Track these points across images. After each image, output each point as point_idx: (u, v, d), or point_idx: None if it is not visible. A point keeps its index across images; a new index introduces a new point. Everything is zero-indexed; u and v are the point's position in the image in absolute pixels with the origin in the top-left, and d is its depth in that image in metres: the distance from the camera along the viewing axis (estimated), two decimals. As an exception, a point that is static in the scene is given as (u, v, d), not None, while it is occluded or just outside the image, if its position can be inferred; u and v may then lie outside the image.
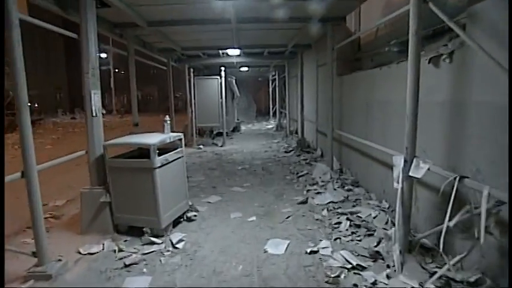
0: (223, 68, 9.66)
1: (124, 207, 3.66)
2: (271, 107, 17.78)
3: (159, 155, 3.55)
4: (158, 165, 3.46)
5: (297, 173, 6.08)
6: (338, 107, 5.82)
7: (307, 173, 5.97)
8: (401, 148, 2.88)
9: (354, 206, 4.23)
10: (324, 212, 4.10)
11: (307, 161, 7.05)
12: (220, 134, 10.46)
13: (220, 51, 9.47)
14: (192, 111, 9.90)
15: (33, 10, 3.61)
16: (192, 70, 9.82)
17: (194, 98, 9.93)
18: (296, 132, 10.87)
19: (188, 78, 9.83)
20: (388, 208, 3.95)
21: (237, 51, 9.21)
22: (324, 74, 7.18)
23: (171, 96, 8.31)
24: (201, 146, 9.82)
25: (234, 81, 13.58)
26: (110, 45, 27.60)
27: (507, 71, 1.85)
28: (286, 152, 8.44)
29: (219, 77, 9.73)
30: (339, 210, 4.08)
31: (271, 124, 16.35)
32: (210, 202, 4.74)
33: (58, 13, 4.00)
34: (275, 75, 17.15)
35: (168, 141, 3.79)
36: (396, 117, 3.77)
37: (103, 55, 29.09)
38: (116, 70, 42.08)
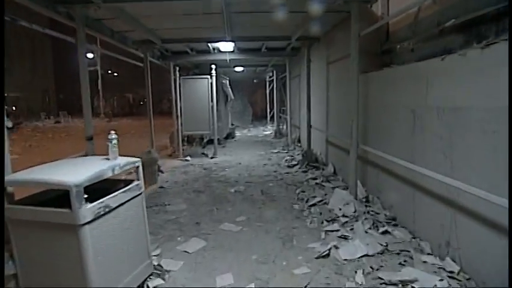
0: (214, 66, 8.24)
1: (38, 283, 2.22)
2: (268, 110, 16.39)
3: (97, 195, 2.13)
4: (89, 219, 2.02)
5: (307, 200, 4.66)
6: (362, 114, 4.42)
7: (321, 201, 4.55)
8: (485, 182, 1.48)
9: (402, 265, 2.82)
10: (359, 278, 2.68)
11: (318, 180, 5.63)
12: (211, 142, 9.05)
13: (210, 46, 8.04)
14: (177, 117, 8.46)
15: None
16: (177, 69, 8.39)
17: (180, 101, 8.50)
18: (299, 141, 9.48)
19: (173, 78, 8.39)
20: (459, 273, 2.54)
21: (229, 46, 7.80)
22: (336, 73, 5.80)
23: (149, 99, 6.86)
24: (188, 158, 8.38)
25: (227, 82, 12.16)
26: (97, 45, 26.18)
27: None
28: (289, 166, 7.03)
29: (209, 77, 8.31)
30: (382, 276, 2.67)
31: (268, 130, 14.94)
32: (187, 252, 3.30)
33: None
34: (273, 76, 15.75)
35: (110, 174, 2.35)
36: (476, 132, 2.39)
37: (90, 55, 27.55)
38: (110, 71, 40.60)
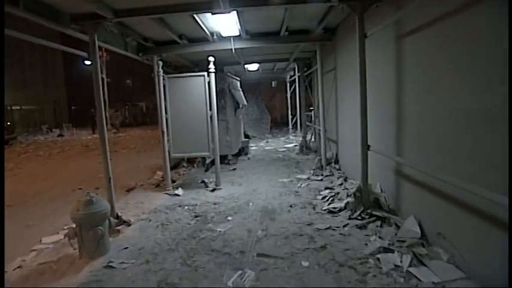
0: (211, 58, 5.66)
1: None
2: (290, 117, 13.67)
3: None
4: None
5: None
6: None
7: None
8: None
9: None
10: None
11: (398, 261, 2.89)
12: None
13: (207, 31, 5.50)
14: (163, 133, 5.91)
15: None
16: (160, 64, 5.86)
17: (166, 111, 5.96)
18: (336, 162, 6.72)
19: (156, 78, 5.87)
20: None
21: (234, 29, 5.26)
22: (427, 49, 3.06)
23: (100, 107, 4.24)
24: (179, 191, 5.82)
25: (238, 84, 9.58)
26: (102, 51, 24.42)
27: None
28: (332, 211, 4.31)
29: (205, 74, 5.74)
30: None
31: (291, 141, 12.19)
32: None
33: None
34: (294, 75, 13.09)
35: None
36: None
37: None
38: (129, 81, 39.17)
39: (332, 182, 5.77)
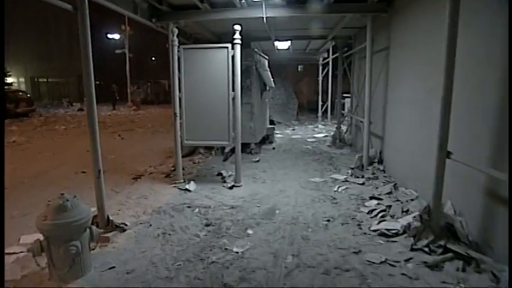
0: (238, 27, 4.57)
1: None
2: (319, 102, 12.42)
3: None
4: None
5: None
6: None
7: None
8: None
9: None
10: None
11: None
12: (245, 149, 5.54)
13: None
14: (175, 116, 4.94)
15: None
16: (175, 32, 4.83)
17: (180, 90, 4.96)
18: (380, 162, 5.57)
19: (170, 49, 4.85)
20: None
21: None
22: None
23: (89, 80, 3.27)
24: (191, 186, 4.89)
25: (266, 63, 8.46)
26: (125, 25, 23.64)
27: None
28: (387, 236, 3.24)
29: (229, 46, 4.67)
30: None
31: (321, 130, 11.01)
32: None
33: None
34: (328, 57, 11.77)
35: None
36: None
37: (116, 36, 25.20)
38: (153, 57, 38.56)
39: (377, 188, 4.67)
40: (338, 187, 4.82)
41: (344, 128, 8.60)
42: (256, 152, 7.21)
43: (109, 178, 5.94)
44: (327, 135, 9.73)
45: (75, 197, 2.65)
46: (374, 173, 5.30)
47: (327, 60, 11.81)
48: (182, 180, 5.11)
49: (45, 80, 35.43)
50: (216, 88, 4.80)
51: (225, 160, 6.65)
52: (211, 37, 7.24)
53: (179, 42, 4.89)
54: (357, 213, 3.87)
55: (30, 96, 18.27)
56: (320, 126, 11.78)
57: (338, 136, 8.06)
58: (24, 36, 33.26)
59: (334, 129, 10.84)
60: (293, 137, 9.78)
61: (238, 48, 4.63)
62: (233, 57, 4.67)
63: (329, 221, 3.67)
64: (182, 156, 5.89)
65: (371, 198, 4.27)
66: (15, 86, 29.10)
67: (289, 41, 9.04)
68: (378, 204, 4.01)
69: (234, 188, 4.90)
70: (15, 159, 7.61)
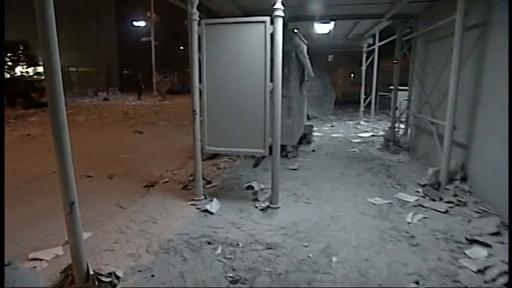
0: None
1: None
2: (362, 95, 10.89)
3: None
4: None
5: None
6: None
7: None
8: None
9: None
10: None
11: None
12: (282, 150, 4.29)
13: None
14: (194, 113, 3.76)
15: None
16: (194, 4, 3.60)
17: (202, 77, 3.76)
18: (464, 179, 4.14)
19: (189, 27, 3.66)
20: None
21: None
22: None
23: (52, 72, 2.17)
24: (212, 205, 3.74)
25: (305, 49, 7.13)
26: (151, 12, 22.83)
27: None
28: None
29: (267, 21, 3.41)
30: None
31: (365, 128, 9.53)
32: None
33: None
34: (374, 44, 10.19)
35: None
36: None
37: (141, 23, 24.44)
38: (181, 46, 37.94)
39: (469, 222, 3.30)
40: (412, 216, 3.50)
41: (398, 127, 7.12)
42: (294, 156, 5.96)
43: (117, 185, 4.95)
44: (374, 135, 8.28)
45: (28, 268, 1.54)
46: (456, 195, 3.90)
47: (372, 47, 10.23)
48: (202, 197, 3.97)
49: (75, 69, 35.69)
50: (248, 77, 3.57)
51: (255, 166, 5.47)
52: (241, 15, 5.99)
53: (200, 17, 3.68)
54: (458, 269, 2.55)
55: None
56: (362, 123, 10.29)
57: (391, 138, 6.62)
58: (57, 26, 33.41)
59: (381, 127, 9.42)
60: (333, 136, 8.40)
61: (280, 22, 3.36)
62: (272, 35, 3.41)
63: (417, 283, 2.39)
64: (204, 160, 4.76)
65: (471, 241, 2.92)
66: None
67: (333, 23, 7.62)
68: (488, 257, 2.66)
69: (269, 209, 3.71)
70: (22, 156, 6.82)
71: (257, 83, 3.54)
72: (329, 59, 21.66)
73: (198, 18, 3.61)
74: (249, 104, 3.61)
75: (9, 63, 24.86)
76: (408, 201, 3.91)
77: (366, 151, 6.62)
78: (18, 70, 25.11)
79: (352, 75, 19.43)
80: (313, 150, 6.64)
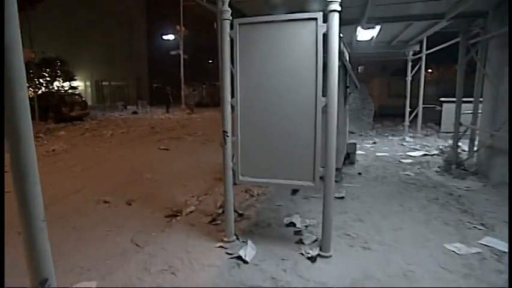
0: (338, -19, 2.54)
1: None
2: (407, 109, 9.80)
3: None
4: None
5: None
6: None
7: None
8: None
9: None
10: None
11: None
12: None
13: None
14: (225, 135, 3.02)
15: None
16: (225, 1, 2.92)
17: (236, 89, 3.03)
18: None
19: (220, 26, 2.98)
20: None
21: None
22: None
23: (19, 87, 1.57)
24: (246, 249, 2.95)
25: (347, 56, 6.31)
26: (180, 26, 22.88)
27: None
28: None
29: (318, 18, 2.65)
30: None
31: (413, 145, 8.45)
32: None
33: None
34: (421, 51, 9.17)
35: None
36: None
37: (171, 37, 24.57)
38: (210, 60, 38.23)
39: None
40: (520, 277, 2.53)
41: (461, 145, 6.06)
42: (337, 181, 5.09)
43: (136, 214, 4.30)
44: (426, 154, 7.21)
45: None
46: None
47: (419, 55, 9.21)
48: (233, 237, 3.20)
49: (107, 83, 36.72)
50: (293, 90, 2.81)
51: (294, 193, 4.66)
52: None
53: (232, 16, 2.98)
54: None
55: (85, 100, 17.98)
56: (407, 139, 9.20)
57: (453, 159, 5.58)
58: (91, 42, 34.71)
59: (431, 144, 8.31)
60: (379, 155, 7.41)
61: (335, 18, 2.60)
62: (326, 36, 2.65)
63: None
64: (235, 183, 4.02)
65: None
66: (80, 90, 30.23)
67: (378, 28, 6.74)
68: None
69: (318, 259, 2.87)
70: (41, 174, 6.38)
71: (305, 97, 2.77)
72: (359, 70, 20.68)
73: (230, 18, 2.91)
74: (294, 124, 2.83)
75: (48, 78, 25.78)
76: (505, 252, 2.94)
77: (423, 175, 5.61)
78: (55, 85, 25.95)
79: (389, 86, 18.25)
80: (360, 173, 5.72)
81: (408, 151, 7.64)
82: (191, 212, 4.19)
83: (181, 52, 22.50)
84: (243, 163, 3.00)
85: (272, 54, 2.82)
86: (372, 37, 7.82)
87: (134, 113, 20.74)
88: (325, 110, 2.71)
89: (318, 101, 2.73)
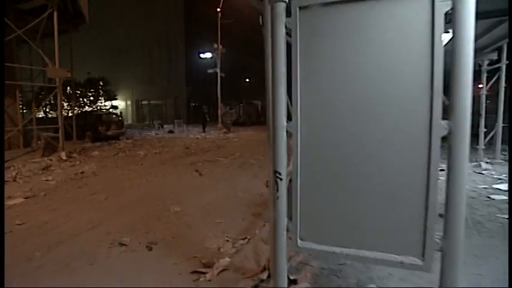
0: None
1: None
2: (482, 129, 8.24)
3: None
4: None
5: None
6: None
7: None
8: None
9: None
10: None
11: None
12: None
13: None
14: (279, 178, 1.99)
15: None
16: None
17: (289, 112, 2.01)
18: None
19: (270, 14, 2.03)
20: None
21: None
22: None
23: None
24: None
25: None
26: (218, 44, 22.68)
27: None
28: None
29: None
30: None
31: (494, 173, 6.90)
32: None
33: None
34: (499, 60, 7.71)
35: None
36: None
37: (208, 55, 24.45)
38: (248, 79, 38.18)
39: None
40: None
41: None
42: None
43: (155, 265, 3.36)
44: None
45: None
46: None
47: (497, 66, 7.73)
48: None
49: (147, 102, 37.64)
50: (387, 108, 1.74)
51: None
52: None
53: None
54: None
55: (122, 119, 17.96)
56: (484, 165, 7.60)
57: None
58: (132, 62, 35.97)
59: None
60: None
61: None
62: (452, 16, 1.58)
63: None
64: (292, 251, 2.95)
65: None
66: (121, 109, 31.07)
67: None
68: None
69: None
70: (62, 202, 5.78)
71: (411, 119, 1.68)
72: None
73: (286, 0, 1.93)
74: (389, 162, 1.74)
75: (92, 97, 26.67)
76: None
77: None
78: (98, 104, 26.77)
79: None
80: (441, 215, 4.41)
81: (493, 183, 6.13)
82: (224, 270, 3.16)
83: (218, 70, 22.19)
84: (304, 221, 1.93)
85: (354, 51, 1.78)
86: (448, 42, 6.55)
87: (170, 132, 20.50)
88: (448, 141, 1.61)
89: (434, 127, 1.63)
